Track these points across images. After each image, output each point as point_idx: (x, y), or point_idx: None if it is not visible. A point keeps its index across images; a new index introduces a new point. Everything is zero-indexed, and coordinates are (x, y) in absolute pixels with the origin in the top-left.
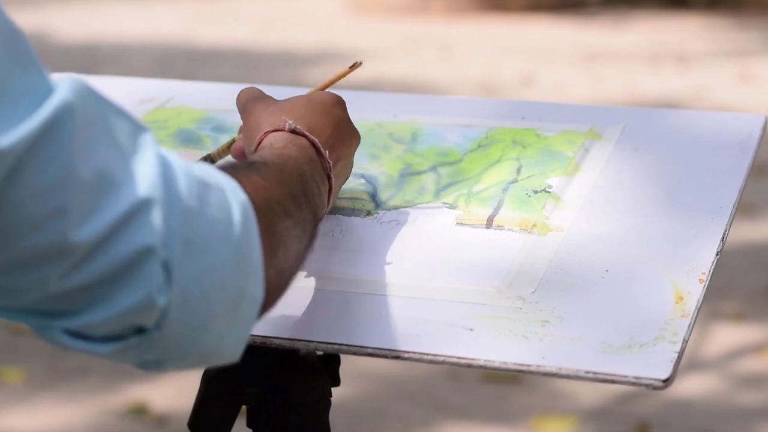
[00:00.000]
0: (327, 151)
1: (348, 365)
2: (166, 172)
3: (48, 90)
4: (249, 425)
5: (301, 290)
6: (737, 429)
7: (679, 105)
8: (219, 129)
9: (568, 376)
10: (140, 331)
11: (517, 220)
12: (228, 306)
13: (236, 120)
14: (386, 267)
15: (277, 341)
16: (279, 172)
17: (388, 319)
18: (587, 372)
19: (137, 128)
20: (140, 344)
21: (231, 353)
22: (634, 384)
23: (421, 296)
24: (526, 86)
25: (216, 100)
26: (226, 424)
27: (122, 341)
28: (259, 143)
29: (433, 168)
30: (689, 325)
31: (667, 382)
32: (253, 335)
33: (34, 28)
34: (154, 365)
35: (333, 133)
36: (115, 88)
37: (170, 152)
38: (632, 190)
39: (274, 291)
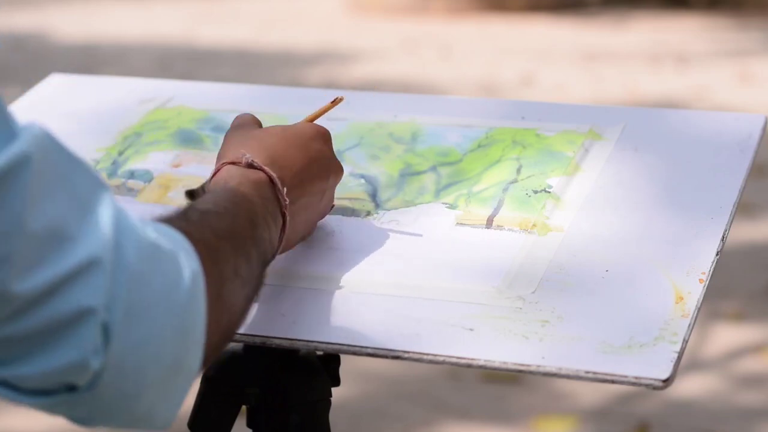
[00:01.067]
0: (293, 185)
1: (348, 365)
2: (119, 234)
3: (8, 137)
4: (249, 425)
5: (301, 290)
6: (737, 429)
7: (679, 105)
8: (219, 129)
9: (568, 376)
10: (71, 388)
11: (517, 220)
12: (163, 376)
13: None
14: (386, 267)
15: (277, 341)
16: (231, 223)
17: (388, 319)
18: (587, 372)
19: (97, 185)
20: (69, 401)
21: (162, 421)
22: (634, 384)
23: (421, 296)
24: (526, 86)
25: (216, 100)
26: (226, 424)
27: (51, 396)
28: (215, 174)
29: (433, 168)
30: (689, 325)
31: (667, 382)
32: (252, 335)
33: (34, 28)
34: (83, 422)
35: (305, 166)
36: (115, 88)
37: (128, 213)
38: (632, 190)
39: (214, 353)
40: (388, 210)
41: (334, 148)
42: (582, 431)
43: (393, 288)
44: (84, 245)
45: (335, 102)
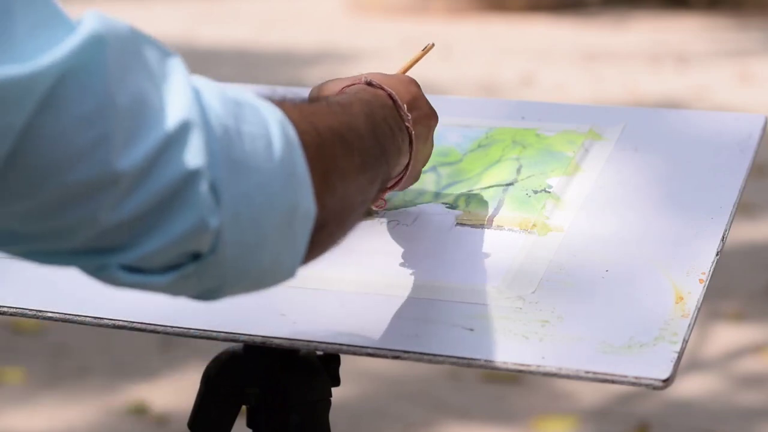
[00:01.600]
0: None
1: (348, 365)
2: (200, 95)
3: (70, 26)
4: (249, 425)
5: (301, 290)
6: (737, 429)
7: (679, 105)
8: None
9: (568, 376)
10: (196, 257)
11: (517, 220)
12: (280, 222)
13: None
14: (386, 267)
15: (277, 341)
16: (338, 105)
17: (388, 319)
18: (587, 372)
19: (165, 54)
20: (197, 271)
21: (288, 271)
22: (634, 384)
23: (421, 296)
24: (526, 86)
25: None
26: (226, 424)
27: (179, 270)
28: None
29: (433, 168)
30: (689, 325)
31: (667, 382)
32: (252, 335)
33: None
34: (212, 293)
35: (410, 101)
36: None
37: (199, 76)
38: (632, 190)
39: (336, 217)
40: (388, 210)
41: None
42: (582, 431)
43: (393, 288)
44: (171, 112)
45: (426, 49)
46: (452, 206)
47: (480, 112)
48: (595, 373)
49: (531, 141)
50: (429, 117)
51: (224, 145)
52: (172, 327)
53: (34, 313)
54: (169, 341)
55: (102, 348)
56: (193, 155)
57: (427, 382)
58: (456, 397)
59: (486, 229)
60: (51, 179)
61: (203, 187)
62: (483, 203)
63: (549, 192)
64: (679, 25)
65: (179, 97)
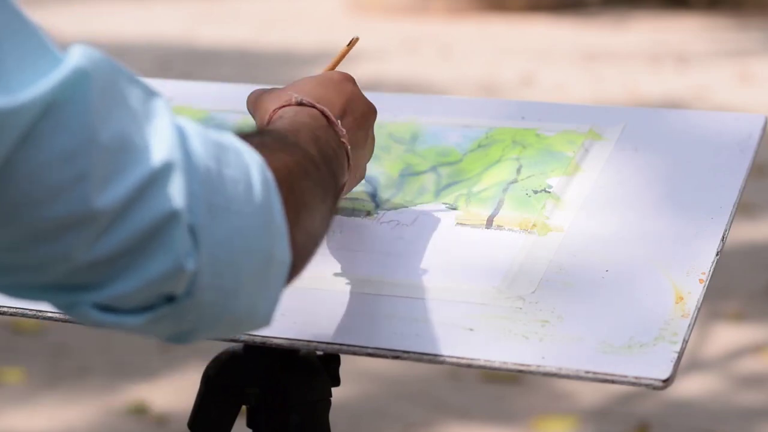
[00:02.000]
0: (339, 121)
1: (348, 365)
2: (184, 136)
3: (57, 58)
4: (249, 425)
5: (301, 290)
6: (737, 429)
7: (679, 105)
8: (219, 129)
9: (568, 376)
10: (171, 299)
11: (517, 220)
12: (257, 269)
13: (237, 120)
14: (386, 267)
15: (277, 341)
16: (293, 135)
17: (388, 319)
18: (587, 372)
19: (149, 94)
20: (172, 313)
21: (263, 318)
22: (634, 384)
23: (421, 296)
24: (526, 86)
25: (216, 100)
26: (226, 424)
27: (153, 311)
28: (269, 121)
29: (433, 168)
30: (689, 325)
31: (667, 382)
32: (252, 335)
33: None
34: (185, 336)
35: (344, 105)
36: None
37: (182, 117)
38: (632, 190)
39: (302, 254)
40: (388, 210)
41: None
42: (582, 431)
43: (393, 288)
44: (153, 151)
45: (351, 43)
46: (452, 206)
47: (480, 112)
48: (595, 373)
49: (531, 141)
50: (366, 116)
51: (205, 188)
52: None
53: (34, 313)
54: None
55: (102, 348)
56: (173, 196)
57: (427, 382)
58: (456, 397)
59: (486, 229)
60: (26, 213)
61: (182, 229)
62: (483, 203)
63: (549, 192)
64: (679, 25)
65: (162, 137)
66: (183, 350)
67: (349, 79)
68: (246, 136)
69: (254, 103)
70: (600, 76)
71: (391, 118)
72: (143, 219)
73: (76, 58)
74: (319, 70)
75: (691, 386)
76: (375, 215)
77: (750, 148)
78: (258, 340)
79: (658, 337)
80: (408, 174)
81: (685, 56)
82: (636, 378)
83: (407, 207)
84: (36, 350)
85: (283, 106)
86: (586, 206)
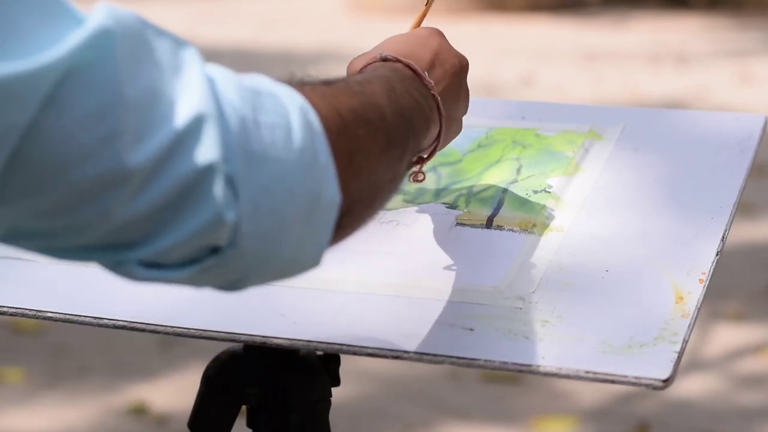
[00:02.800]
0: (430, 74)
1: (348, 365)
2: (215, 86)
3: (77, 19)
4: (249, 425)
5: (301, 290)
6: (737, 429)
7: (679, 105)
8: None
9: (568, 376)
10: (215, 251)
11: (517, 220)
12: (301, 213)
13: None
14: (386, 267)
15: (277, 341)
16: (360, 85)
17: (388, 319)
18: (587, 372)
19: (179, 45)
20: (217, 264)
21: (311, 261)
22: (634, 384)
23: (421, 296)
24: (526, 86)
25: None
26: (226, 424)
27: (198, 264)
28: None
29: (433, 168)
30: (689, 325)
31: (667, 382)
32: (252, 335)
33: None
34: (234, 285)
35: (432, 58)
36: None
37: (215, 66)
38: (632, 190)
39: (359, 198)
40: (388, 210)
41: None
42: (582, 431)
43: (393, 288)
44: (185, 104)
45: (429, 3)
46: (452, 206)
47: (480, 112)
48: (595, 373)
49: (531, 141)
50: (458, 67)
51: (241, 137)
52: (172, 327)
53: (34, 313)
54: (169, 341)
55: (102, 348)
56: (208, 149)
57: (427, 382)
58: (456, 397)
59: (486, 229)
60: (60, 177)
61: (219, 181)
62: (483, 203)
63: (549, 192)
64: (679, 25)
65: (193, 89)
66: (183, 350)
67: (437, 34)
68: (300, 84)
69: (348, 68)
70: (600, 76)
71: None
72: (179, 173)
73: (98, 17)
74: (319, 69)
75: (691, 386)
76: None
77: (750, 148)
78: (258, 340)
79: (658, 337)
80: (408, 174)
81: (685, 56)
82: (636, 378)
83: (407, 207)
84: (36, 350)
85: (369, 64)
86: (586, 206)
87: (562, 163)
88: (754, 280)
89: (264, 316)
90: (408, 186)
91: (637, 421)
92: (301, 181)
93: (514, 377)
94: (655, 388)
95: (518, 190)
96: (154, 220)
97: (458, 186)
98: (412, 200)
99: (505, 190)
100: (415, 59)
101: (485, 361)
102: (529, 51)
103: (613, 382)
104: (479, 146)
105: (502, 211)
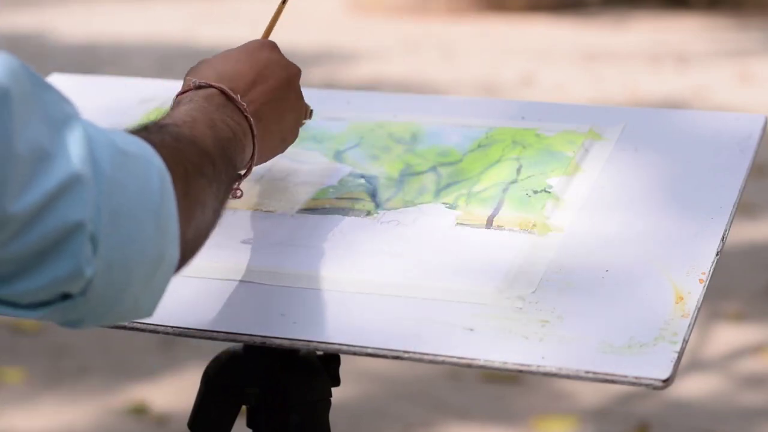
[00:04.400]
0: (248, 91)
1: (348, 365)
2: (92, 146)
3: None
4: (249, 425)
5: (301, 290)
6: (737, 429)
7: (679, 105)
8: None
9: (568, 376)
10: (66, 296)
11: (517, 220)
12: (147, 271)
13: None
14: (386, 267)
15: (277, 341)
16: (190, 129)
17: (388, 319)
18: (587, 372)
19: (65, 103)
20: (64, 308)
21: (146, 312)
22: (634, 384)
23: (421, 296)
24: (526, 86)
25: None
26: (226, 424)
27: (48, 307)
28: (174, 106)
29: (433, 168)
30: (689, 325)
31: (667, 382)
32: (252, 335)
33: (34, 28)
34: (74, 323)
35: (256, 75)
36: (115, 88)
37: (91, 123)
38: (632, 190)
39: (191, 249)
40: (388, 210)
41: (334, 148)
42: (582, 431)
43: (393, 288)
44: (64, 162)
45: (284, 3)
46: (452, 206)
47: (480, 112)
48: (595, 373)
49: (531, 141)
50: (283, 80)
51: (108, 199)
52: (172, 327)
53: None
54: (169, 341)
55: (102, 348)
56: (78, 208)
57: (427, 382)
58: (456, 397)
59: (486, 229)
60: None
61: (84, 238)
62: (483, 203)
63: (549, 192)
64: (679, 25)
65: (73, 148)
66: (183, 350)
67: (267, 46)
68: (148, 134)
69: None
70: (600, 76)
71: (391, 118)
72: (51, 226)
73: None
74: (319, 69)
75: (691, 386)
76: (375, 215)
77: (750, 148)
78: (258, 340)
79: (658, 337)
80: (408, 174)
81: (685, 56)
82: (636, 378)
83: (407, 207)
84: (36, 350)
85: (185, 92)
86: (586, 206)
87: (562, 163)
88: (754, 280)
89: (264, 316)
90: (408, 186)
91: (637, 421)
92: (152, 243)
93: (514, 377)
94: (655, 388)
95: (518, 190)
96: (19, 264)
97: (458, 186)
98: (412, 200)
99: (505, 190)
100: (235, 77)
101: (485, 361)
102: (529, 51)
103: (613, 382)
104: (479, 146)
105: (502, 211)
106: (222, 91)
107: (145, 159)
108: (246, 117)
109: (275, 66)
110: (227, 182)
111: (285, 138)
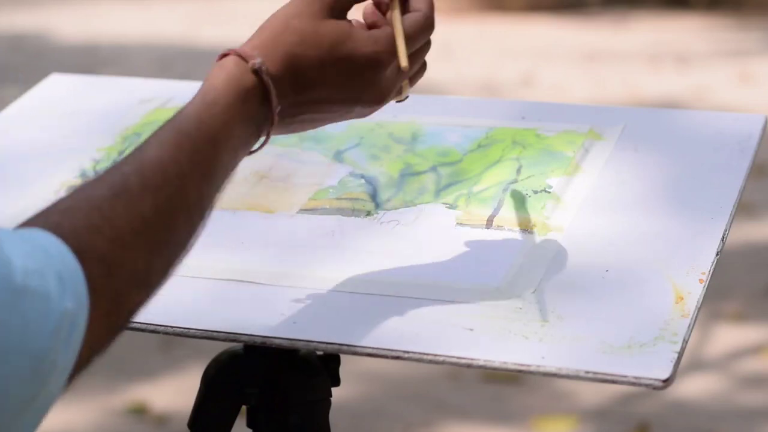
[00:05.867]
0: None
1: (348, 365)
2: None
3: None
4: (249, 425)
5: (300, 290)
6: (737, 429)
7: (679, 105)
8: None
9: (568, 376)
10: None
11: (517, 220)
12: (14, 409)
13: None
14: (386, 267)
15: (277, 341)
16: (177, 167)
17: (388, 319)
18: (587, 372)
19: None
20: None
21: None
22: (634, 384)
23: (421, 296)
24: (526, 86)
25: None
26: (226, 424)
27: None
28: (220, 57)
29: (433, 168)
30: (689, 325)
31: (667, 382)
32: (252, 335)
33: (34, 28)
34: None
35: (336, 87)
36: (115, 88)
37: (4, 241)
38: (632, 190)
39: (164, 281)
40: (388, 210)
41: (334, 148)
42: (582, 431)
43: (393, 288)
44: None
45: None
46: (452, 206)
47: (480, 112)
48: (595, 373)
49: (531, 141)
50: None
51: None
52: (172, 327)
53: None
54: (169, 341)
55: None
56: None
57: (427, 382)
58: (456, 397)
59: (486, 229)
60: None
61: None
62: (483, 203)
63: (549, 192)
64: (679, 25)
65: None
66: (183, 350)
67: (379, 65)
68: (99, 210)
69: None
70: (600, 76)
71: (391, 118)
72: None
73: None
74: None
75: (691, 386)
76: (375, 215)
77: (750, 148)
78: (258, 340)
79: (658, 337)
80: (408, 174)
81: (685, 56)
82: (636, 378)
83: (407, 207)
84: None
85: (240, 56)
86: (586, 206)
87: (562, 163)
88: (754, 280)
89: (264, 316)
90: (408, 186)
91: (637, 421)
92: (20, 385)
93: (514, 377)
94: (655, 388)
95: (518, 190)
96: None
97: (458, 186)
98: (412, 200)
99: (505, 190)
100: (308, 82)
101: (485, 361)
102: (529, 51)
103: (613, 382)
104: (479, 146)
105: (502, 211)
106: (267, 91)
107: (45, 298)
108: (271, 123)
109: (370, 89)
110: (208, 198)
111: (308, 120)
